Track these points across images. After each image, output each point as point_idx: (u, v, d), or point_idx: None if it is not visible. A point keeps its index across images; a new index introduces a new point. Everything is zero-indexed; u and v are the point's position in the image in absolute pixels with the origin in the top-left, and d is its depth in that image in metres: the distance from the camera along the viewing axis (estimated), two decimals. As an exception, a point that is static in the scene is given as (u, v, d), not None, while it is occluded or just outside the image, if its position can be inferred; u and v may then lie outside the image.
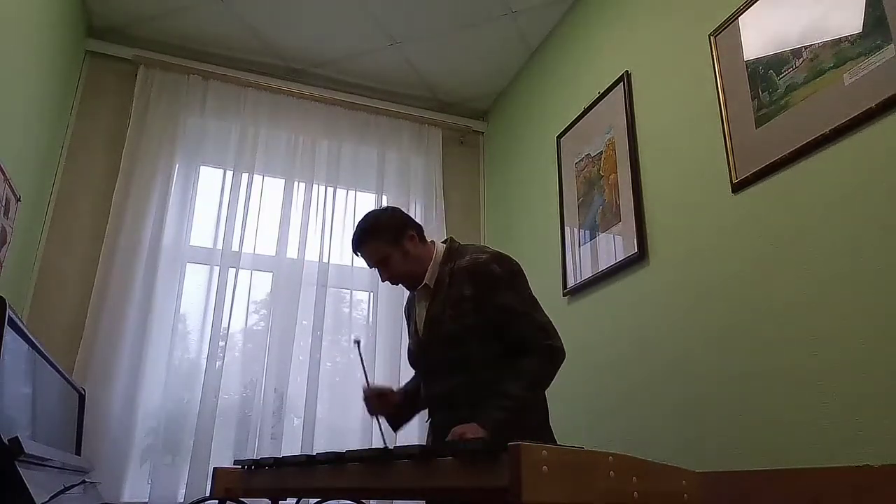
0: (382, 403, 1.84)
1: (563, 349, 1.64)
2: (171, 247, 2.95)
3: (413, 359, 1.86)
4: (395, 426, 1.91)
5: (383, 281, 1.82)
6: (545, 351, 1.62)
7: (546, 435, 1.66)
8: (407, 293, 1.97)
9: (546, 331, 1.65)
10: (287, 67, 3.44)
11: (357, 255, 1.84)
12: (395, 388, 1.95)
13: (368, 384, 1.85)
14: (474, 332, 1.66)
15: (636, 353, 2.20)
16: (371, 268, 1.83)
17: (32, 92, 2.44)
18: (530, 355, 1.60)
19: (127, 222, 2.88)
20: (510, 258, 1.74)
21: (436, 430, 1.76)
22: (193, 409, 2.76)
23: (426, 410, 1.87)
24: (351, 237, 1.84)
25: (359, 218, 3.39)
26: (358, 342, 1.89)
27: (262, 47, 3.30)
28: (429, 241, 1.85)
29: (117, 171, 2.96)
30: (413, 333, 1.85)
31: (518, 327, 1.63)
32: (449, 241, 1.84)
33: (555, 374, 1.64)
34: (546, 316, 1.69)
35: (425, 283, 1.77)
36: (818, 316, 1.56)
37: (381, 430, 1.87)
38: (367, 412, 1.87)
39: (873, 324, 1.43)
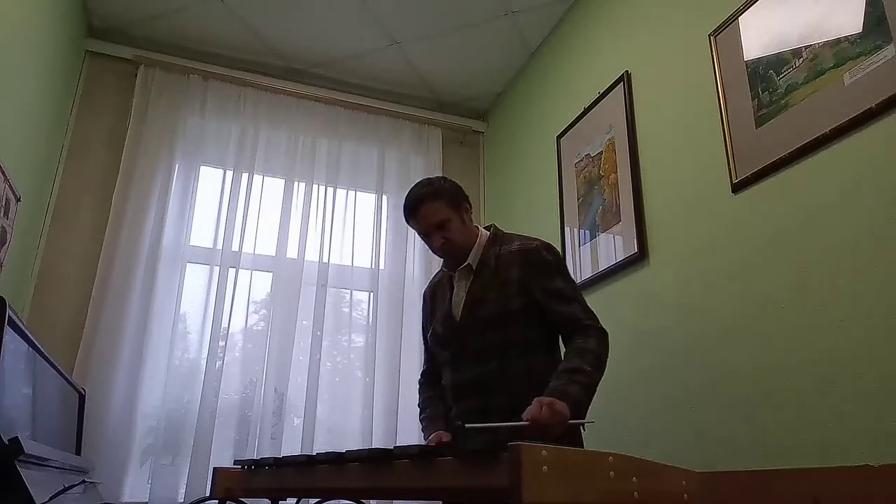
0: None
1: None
2: (171, 247, 2.95)
3: (441, 341, 1.79)
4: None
5: (435, 246, 1.76)
6: (601, 333, 1.61)
7: (577, 436, 1.66)
8: (424, 284, 1.93)
9: (595, 315, 1.66)
10: (287, 67, 3.44)
11: (410, 220, 1.77)
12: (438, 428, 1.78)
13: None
14: (517, 315, 1.66)
15: (636, 352, 2.20)
16: (421, 233, 1.78)
17: (32, 92, 2.44)
18: (586, 336, 1.58)
19: (127, 222, 2.88)
20: (557, 250, 1.77)
21: (462, 416, 1.68)
22: (193, 409, 2.76)
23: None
24: (404, 202, 1.77)
25: (359, 218, 3.41)
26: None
27: (262, 47, 3.30)
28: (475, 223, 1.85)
29: (117, 171, 2.96)
30: (444, 315, 1.78)
31: (570, 308, 1.64)
32: (493, 227, 1.84)
33: (608, 357, 1.60)
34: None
35: (467, 264, 1.76)
36: (818, 316, 1.56)
37: None
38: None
39: (874, 323, 1.43)
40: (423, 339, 1.93)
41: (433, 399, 1.87)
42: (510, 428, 1.28)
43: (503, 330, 1.66)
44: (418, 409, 1.90)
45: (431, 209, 1.73)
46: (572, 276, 2.61)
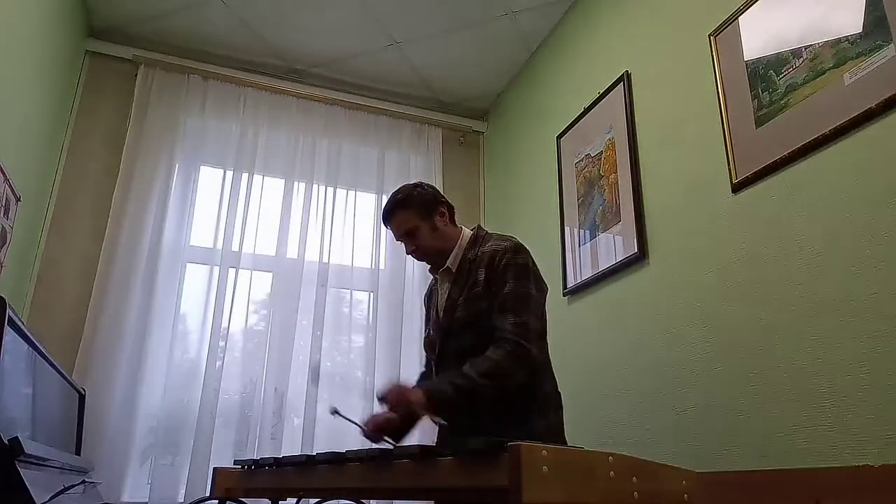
0: (386, 429, 1.66)
1: (536, 357, 1.59)
2: (171, 247, 2.95)
3: (431, 343, 1.82)
4: (398, 439, 1.78)
5: (408, 253, 1.83)
6: (515, 347, 1.55)
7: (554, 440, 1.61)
8: (428, 283, 1.98)
9: (527, 331, 1.58)
10: (287, 67, 3.44)
11: (386, 226, 1.86)
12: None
13: (363, 427, 1.66)
14: (485, 317, 1.64)
15: (636, 352, 2.20)
16: (397, 240, 1.85)
17: (32, 92, 2.44)
18: (497, 348, 1.56)
19: (127, 222, 2.88)
20: (530, 255, 1.72)
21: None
22: (193, 409, 2.76)
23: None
24: (382, 208, 1.85)
25: (359, 218, 3.42)
26: (335, 412, 1.72)
27: (262, 47, 3.30)
28: (459, 225, 1.87)
29: (117, 170, 2.96)
30: (433, 319, 1.83)
31: (501, 320, 1.59)
32: (476, 228, 1.85)
33: (517, 375, 1.55)
34: (538, 322, 1.64)
35: (447, 267, 1.78)
36: (818, 316, 1.56)
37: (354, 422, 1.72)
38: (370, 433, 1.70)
39: (873, 323, 1.43)
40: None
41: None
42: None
43: (476, 333, 1.65)
44: None
45: (401, 218, 1.79)
46: (574, 276, 2.62)
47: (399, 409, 1.54)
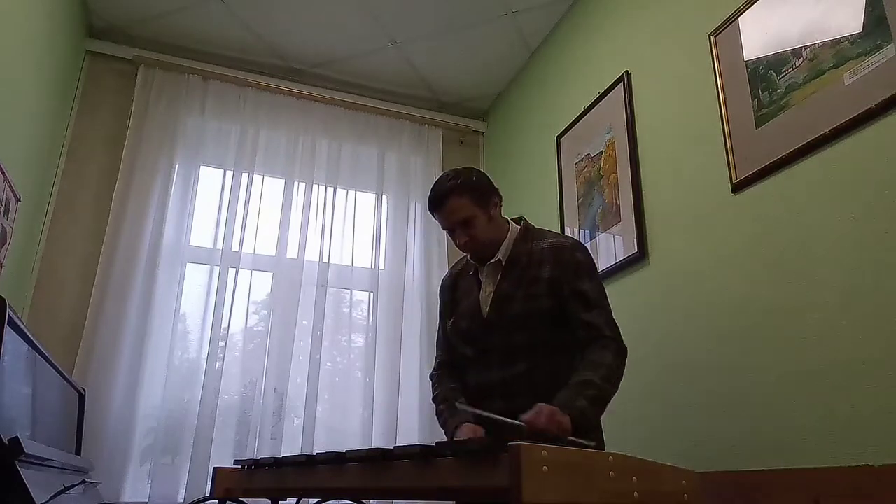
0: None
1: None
2: (171, 247, 2.95)
3: (465, 338, 1.72)
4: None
5: (460, 244, 1.69)
6: (618, 348, 1.57)
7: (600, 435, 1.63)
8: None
9: (617, 329, 1.61)
10: (287, 67, 3.44)
11: (435, 214, 1.69)
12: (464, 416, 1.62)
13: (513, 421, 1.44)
14: (546, 315, 1.61)
15: (635, 353, 2.18)
16: (446, 229, 1.71)
17: (32, 92, 2.44)
18: (603, 349, 1.54)
19: (127, 222, 2.88)
20: (589, 251, 1.71)
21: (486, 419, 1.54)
22: (193, 409, 2.76)
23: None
24: (430, 193, 1.69)
25: (359, 218, 3.41)
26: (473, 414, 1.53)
27: (262, 47, 3.30)
28: (504, 216, 1.77)
29: (117, 171, 2.96)
30: (470, 311, 1.71)
31: (593, 317, 1.58)
32: (524, 221, 1.77)
33: (622, 373, 1.57)
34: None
35: (497, 259, 1.69)
36: (818, 316, 1.56)
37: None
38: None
39: (873, 323, 1.43)
40: (442, 329, 1.83)
41: (455, 391, 1.73)
42: (507, 424, 1.25)
43: (531, 330, 1.61)
44: (435, 403, 1.76)
45: (457, 205, 1.65)
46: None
47: (549, 431, 1.32)
